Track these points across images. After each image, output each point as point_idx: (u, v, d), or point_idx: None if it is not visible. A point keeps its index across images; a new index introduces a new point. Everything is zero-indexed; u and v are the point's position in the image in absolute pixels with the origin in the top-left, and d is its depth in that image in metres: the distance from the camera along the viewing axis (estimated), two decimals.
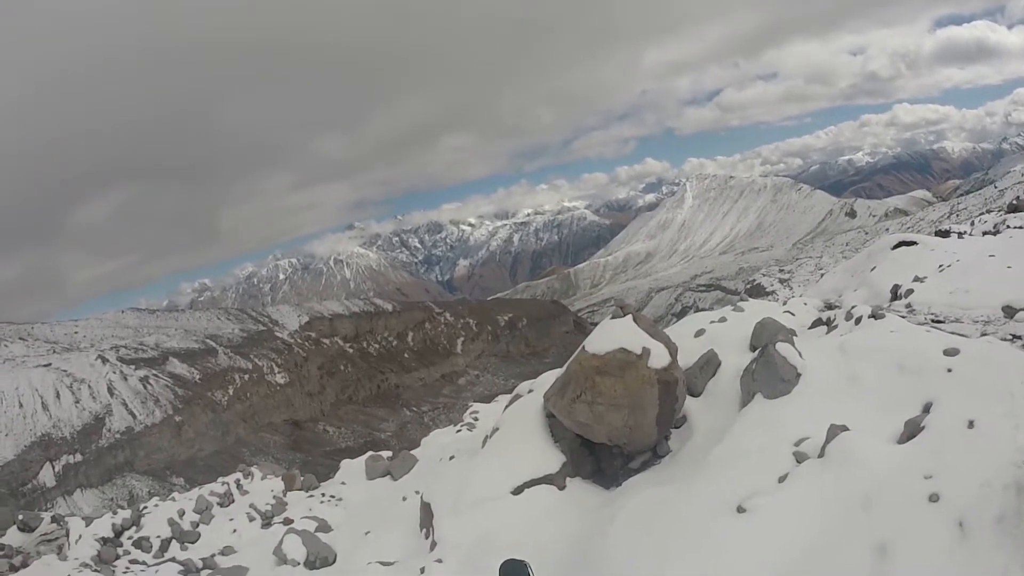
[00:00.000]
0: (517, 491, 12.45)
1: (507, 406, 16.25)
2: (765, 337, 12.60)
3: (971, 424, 7.77)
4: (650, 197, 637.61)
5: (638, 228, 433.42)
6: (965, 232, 29.36)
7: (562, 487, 12.58)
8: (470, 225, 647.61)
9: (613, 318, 12.91)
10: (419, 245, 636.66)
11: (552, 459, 12.87)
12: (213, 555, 16.33)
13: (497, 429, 14.67)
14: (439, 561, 11.52)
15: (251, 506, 19.19)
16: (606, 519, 9.80)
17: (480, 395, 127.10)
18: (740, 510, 7.98)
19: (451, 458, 16.68)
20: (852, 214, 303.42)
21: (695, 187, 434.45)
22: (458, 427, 22.73)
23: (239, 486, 20.55)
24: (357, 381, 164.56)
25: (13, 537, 16.76)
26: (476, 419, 22.51)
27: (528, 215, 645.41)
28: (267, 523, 18.54)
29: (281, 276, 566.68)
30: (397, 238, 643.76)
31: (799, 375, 10.43)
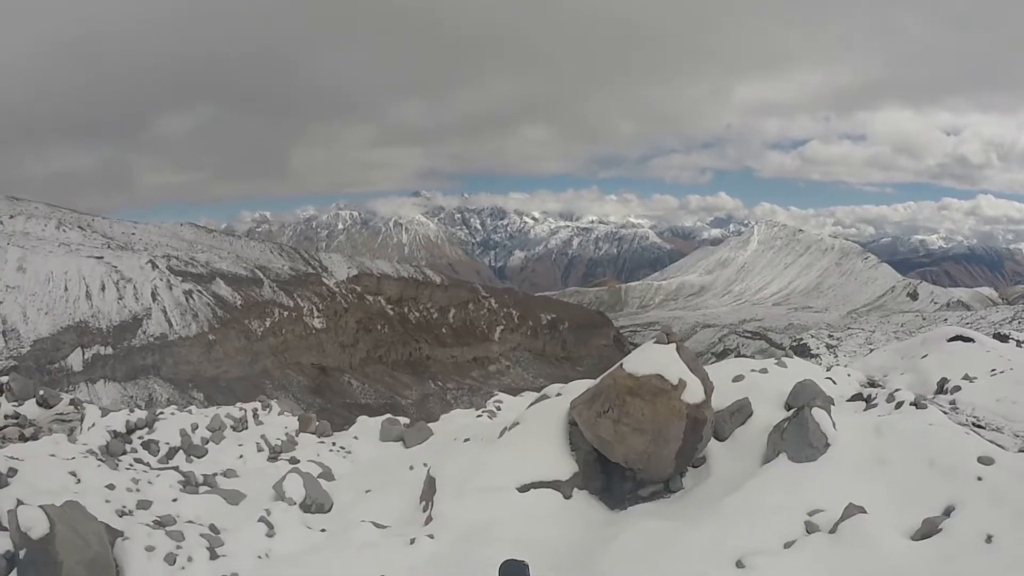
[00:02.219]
0: (523, 489, 12.50)
1: (532, 403, 16.30)
2: (803, 398, 12.50)
3: (989, 539, 7.68)
4: (716, 232, 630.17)
5: (697, 260, 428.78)
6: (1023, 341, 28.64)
7: (568, 496, 12.62)
8: (533, 219, 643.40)
9: (657, 342, 12.88)
10: (479, 227, 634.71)
11: (565, 466, 12.90)
12: (215, 474, 16.51)
13: (517, 423, 14.73)
14: (431, 536, 11.60)
15: (262, 437, 19.35)
16: (607, 538, 9.85)
17: (507, 386, 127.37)
18: (739, 565, 7.95)
19: (466, 440, 16.73)
20: (914, 296, 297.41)
21: (763, 232, 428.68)
22: (479, 412, 22.78)
23: (255, 415, 20.72)
24: (391, 343, 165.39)
25: (30, 409, 17.08)
26: (499, 408, 22.60)
27: (592, 222, 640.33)
28: (274, 457, 18.70)
29: (340, 226, 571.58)
30: (460, 215, 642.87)
31: (828, 445, 10.32)
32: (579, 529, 11.47)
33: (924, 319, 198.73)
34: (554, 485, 12.63)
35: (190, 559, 11.01)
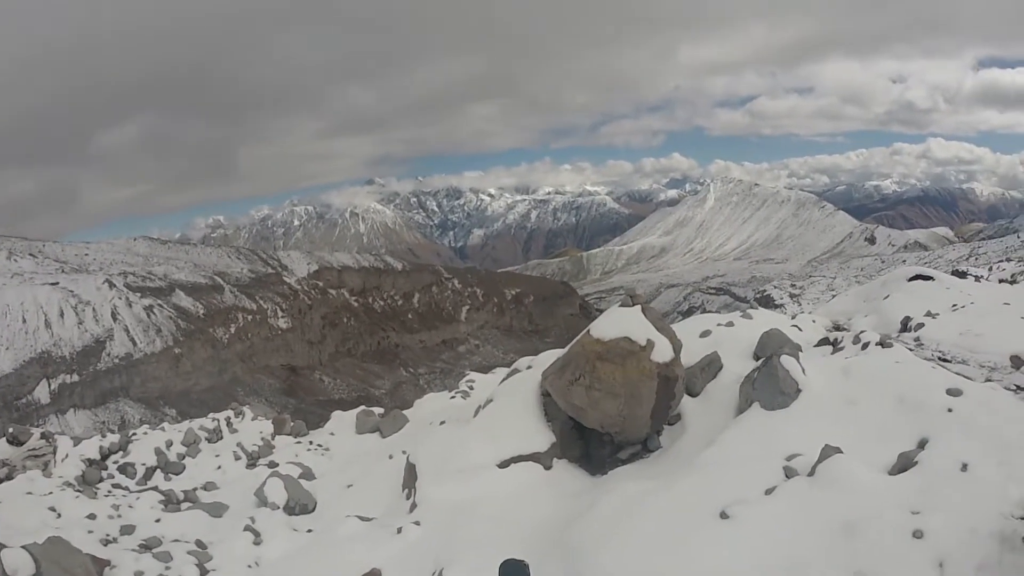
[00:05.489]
0: (503, 465, 12.52)
1: (504, 379, 16.36)
2: (770, 348, 12.68)
3: (964, 467, 7.81)
4: (672, 193, 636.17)
5: (656, 222, 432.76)
6: (982, 276, 29.34)
7: (548, 467, 12.65)
8: (489, 195, 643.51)
9: (622, 306, 12.91)
10: (436, 208, 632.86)
11: (542, 438, 12.94)
12: (195, 488, 16.47)
13: (491, 401, 14.74)
14: (417, 523, 11.59)
15: (239, 445, 19.26)
16: (589, 504, 9.84)
17: (478, 365, 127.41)
18: (723, 516, 8.01)
19: (442, 423, 16.71)
20: (872, 240, 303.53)
21: (719, 189, 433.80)
22: (452, 394, 22.77)
23: (229, 424, 20.61)
24: (358, 335, 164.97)
25: (1, 449, 16.85)
26: (471, 388, 22.63)
27: (548, 193, 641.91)
28: (252, 464, 18.62)
29: (296, 222, 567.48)
30: (415, 199, 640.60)
31: (799, 390, 10.43)
32: (562, 498, 11.51)
33: (883, 262, 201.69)
34: (534, 458, 12.66)
35: None
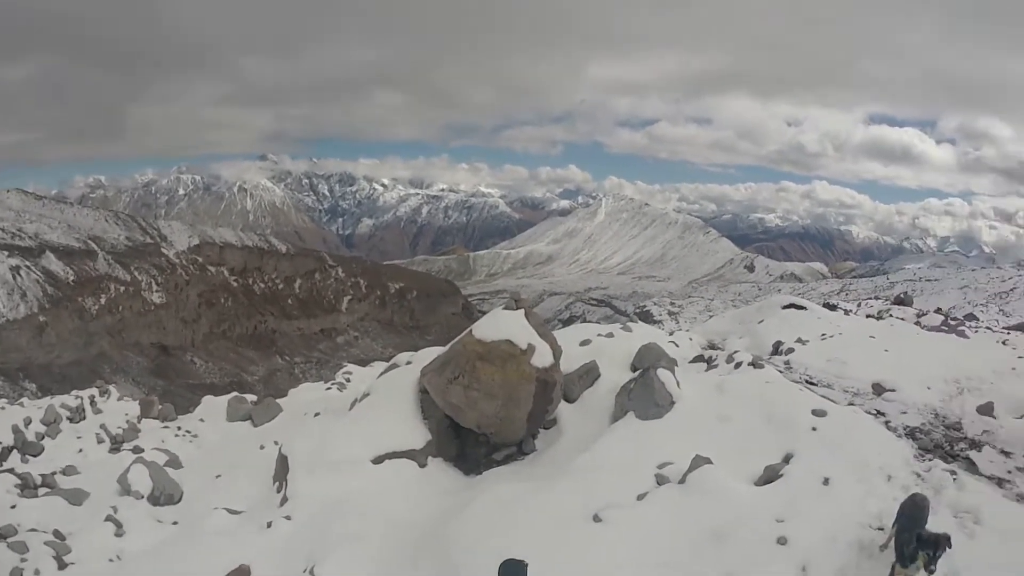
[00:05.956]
0: (378, 460, 12.30)
1: (382, 373, 16.14)
2: (648, 360, 13.07)
3: (826, 481, 8.47)
4: (565, 203, 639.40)
5: (546, 229, 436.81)
6: (851, 310, 30.90)
7: (423, 465, 12.54)
8: (383, 185, 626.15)
9: (506, 308, 12.99)
10: (327, 193, 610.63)
11: (418, 435, 12.81)
12: (54, 472, 15.46)
13: (368, 394, 14.52)
14: (288, 518, 11.24)
15: (102, 427, 18.28)
16: (462, 504, 9.84)
17: (355, 357, 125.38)
18: (597, 519, 8.28)
19: (316, 415, 16.44)
20: (751, 268, 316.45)
21: (611, 205, 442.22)
22: (329, 385, 22.41)
23: (93, 403, 19.54)
24: (235, 317, 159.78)
25: None
26: (348, 380, 22.27)
27: (442, 190, 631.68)
28: (116, 448, 17.69)
29: (181, 191, 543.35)
30: (308, 180, 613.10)
31: (673, 402, 10.93)
32: (436, 497, 11.46)
33: (760, 289, 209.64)
34: (408, 454, 12.52)
35: (37, 572, 10.43)
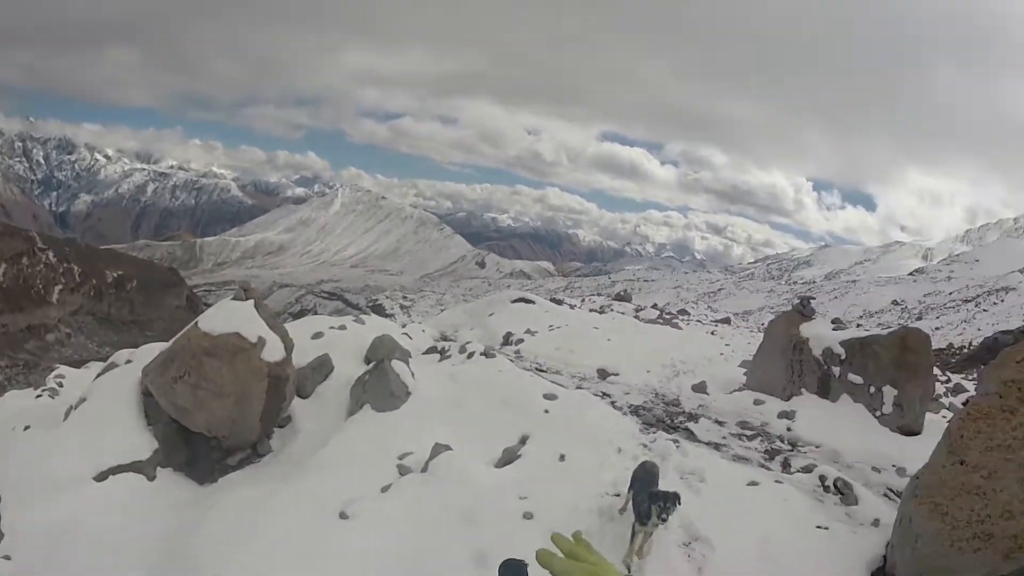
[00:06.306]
0: (101, 477, 10.88)
1: (99, 374, 14.75)
2: (382, 352, 13.30)
3: (562, 458, 9.30)
4: (300, 191, 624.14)
5: (279, 217, 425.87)
6: (576, 305, 33.92)
7: (152, 477, 11.47)
8: (106, 157, 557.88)
9: (234, 299, 12.45)
10: (42, 161, 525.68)
11: (143, 444, 11.62)
12: None
13: (84, 400, 13.14)
14: (7, 558, 9.87)
15: None
16: (199, 517, 9.19)
17: (69, 358, 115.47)
18: (343, 516, 8.24)
19: (27, 428, 14.77)
20: (482, 264, 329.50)
21: (347, 195, 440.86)
22: (39, 391, 20.20)
23: None
24: None
25: None
26: (61, 385, 20.17)
27: (171, 167, 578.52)
28: None
29: None
30: (21, 144, 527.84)
31: (409, 393, 11.26)
32: (171, 510, 10.40)
33: (490, 285, 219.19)
34: (134, 467, 11.32)
35: None
